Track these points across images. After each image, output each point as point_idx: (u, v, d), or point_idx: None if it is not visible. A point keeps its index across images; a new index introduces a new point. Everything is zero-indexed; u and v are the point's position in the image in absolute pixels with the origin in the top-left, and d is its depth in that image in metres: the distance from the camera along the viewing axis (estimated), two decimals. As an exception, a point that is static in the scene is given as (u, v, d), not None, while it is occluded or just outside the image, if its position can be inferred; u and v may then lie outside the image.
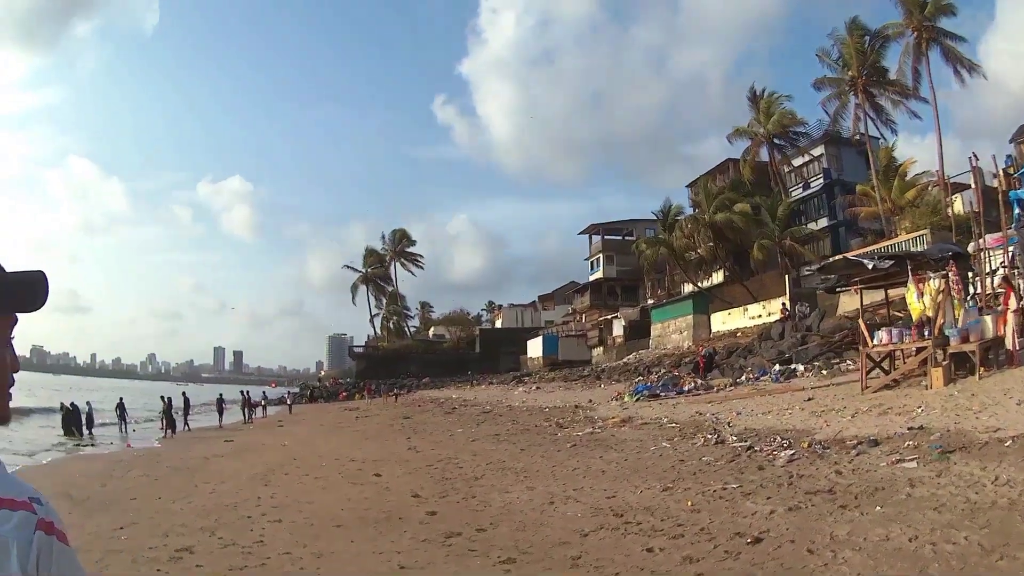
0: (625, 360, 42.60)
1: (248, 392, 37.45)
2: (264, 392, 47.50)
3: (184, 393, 29.71)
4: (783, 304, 33.47)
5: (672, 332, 44.54)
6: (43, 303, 1.16)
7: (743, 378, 20.96)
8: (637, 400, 20.24)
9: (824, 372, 18.72)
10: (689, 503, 7.90)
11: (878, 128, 39.89)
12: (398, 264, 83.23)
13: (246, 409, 33.82)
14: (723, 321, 40.83)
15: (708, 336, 40.78)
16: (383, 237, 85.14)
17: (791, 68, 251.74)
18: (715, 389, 19.95)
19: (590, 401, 23.04)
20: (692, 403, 17.47)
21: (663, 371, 28.50)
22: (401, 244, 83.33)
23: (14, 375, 1.16)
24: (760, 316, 37.06)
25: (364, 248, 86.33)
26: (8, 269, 1.13)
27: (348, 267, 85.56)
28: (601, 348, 54.32)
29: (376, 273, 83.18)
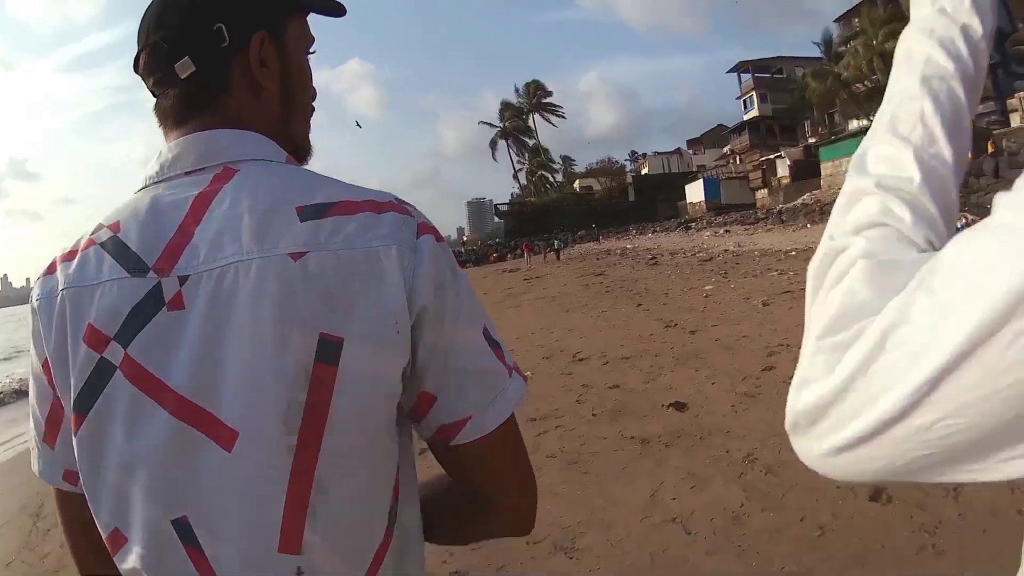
0: (803, 201, 39.77)
1: None
2: None
3: None
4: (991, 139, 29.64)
5: (846, 171, 40.55)
6: (341, 10, 0.93)
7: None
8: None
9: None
10: None
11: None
12: (536, 117, 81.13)
13: None
14: (895, 162, 36.97)
15: (881, 177, 37.22)
16: (516, 90, 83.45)
17: None
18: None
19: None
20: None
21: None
22: (537, 96, 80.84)
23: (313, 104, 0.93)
24: (935, 156, 33.06)
25: (499, 103, 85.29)
26: None
27: (484, 123, 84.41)
28: (765, 190, 51.18)
29: (515, 127, 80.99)
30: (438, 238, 0.75)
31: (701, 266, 18.23)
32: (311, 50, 0.91)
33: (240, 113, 0.81)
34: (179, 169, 0.77)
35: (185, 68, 0.79)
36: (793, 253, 17.67)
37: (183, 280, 0.70)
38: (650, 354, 7.54)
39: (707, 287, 13.00)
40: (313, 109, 0.93)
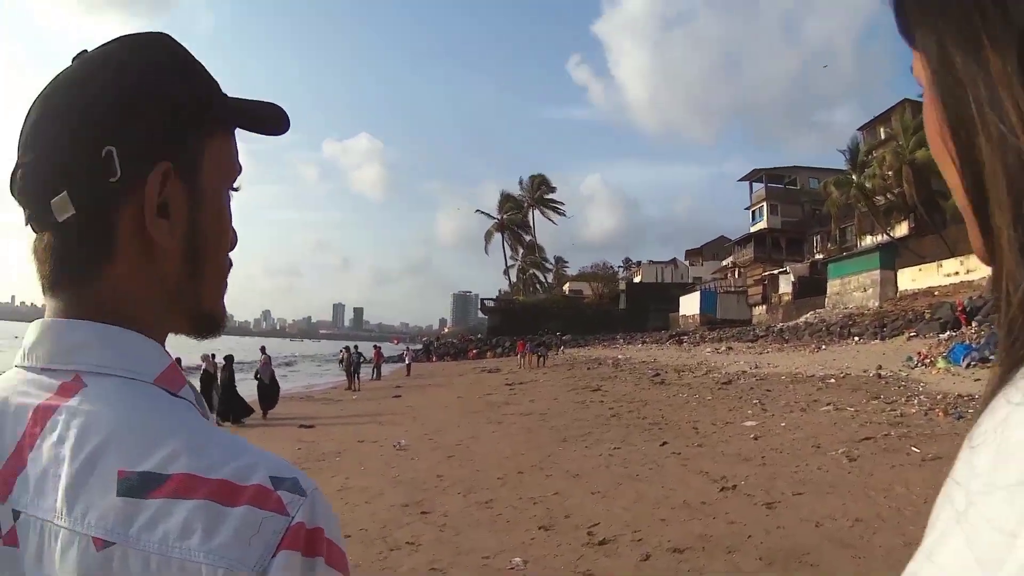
0: (805, 319, 37.42)
1: (355, 348, 27.54)
2: (375, 346, 35.27)
3: (263, 349, 19.25)
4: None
5: (853, 290, 39.20)
6: (280, 127, 0.69)
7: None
8: (969, 366, 14.95)
9: None
10: None
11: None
12: (536, 212, 78.62)
13: (351, 371, 25.97)
14: (912, 279, 35.12)
15: (895, 295, 35.37)
16: (520, 183, 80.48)
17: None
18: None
19: (880, 368, 16.39)
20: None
21: (948, 329, 21.81)
22: (540, 190, 78.55)
23: (230, 254, 0.70)
24: (958, 274, 31.23)
25: (499, 194, 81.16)
26: None
27: (481, 212, 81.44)
28: (764, 307, 49.08)
29: (513, 220, 78.15)
30: (310, 549, 0.51)
31: (722, 390, 15.13)
32: (235, 186, 0.69)
33: (122, 289, 0.61)
34: (35, 361, 0.60)
35: (62, 209, 0.59)
36: (832, 380, 14.98)
37: (16, 515, 0.56)
38: (719, 546, 4.59)
39: (748, 422, 9.88)
40: (231, 264, 0.70)
